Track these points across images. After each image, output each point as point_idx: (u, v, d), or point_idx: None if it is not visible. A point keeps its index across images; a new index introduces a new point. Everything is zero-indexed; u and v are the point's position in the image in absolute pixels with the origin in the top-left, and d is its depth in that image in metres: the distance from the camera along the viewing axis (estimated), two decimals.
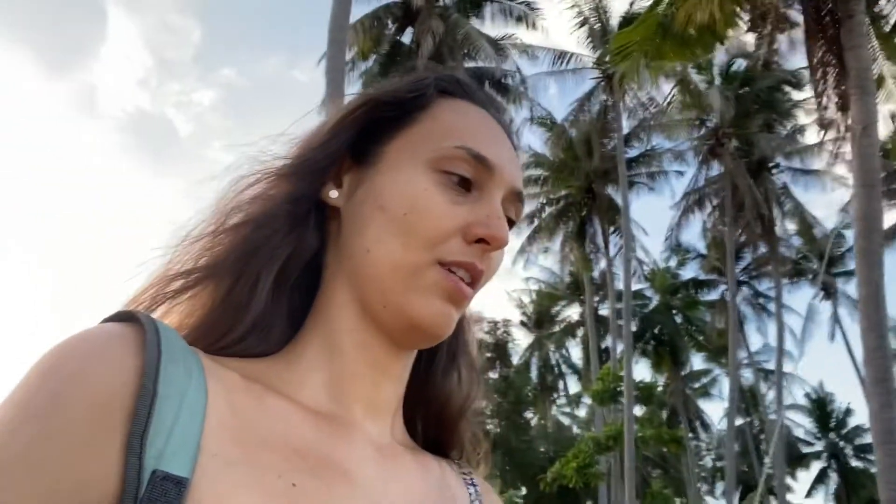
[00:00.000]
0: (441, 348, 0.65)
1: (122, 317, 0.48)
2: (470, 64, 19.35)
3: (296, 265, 0.56)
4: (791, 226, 23.93)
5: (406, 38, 18.16)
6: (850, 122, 6.72)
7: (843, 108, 6.98)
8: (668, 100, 15.45)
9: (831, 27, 6.99)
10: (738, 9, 7.66)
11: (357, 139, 0.59)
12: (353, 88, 18.29)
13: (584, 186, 21.98)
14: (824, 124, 7.63)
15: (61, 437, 0.40)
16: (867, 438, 32.73)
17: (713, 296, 27.92)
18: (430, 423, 0.64)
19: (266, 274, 0.54)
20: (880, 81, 8.42)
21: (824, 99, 7.11)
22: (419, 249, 0.53)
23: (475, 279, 0.55)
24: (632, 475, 16.40)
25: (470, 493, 0.62)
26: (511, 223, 0.59)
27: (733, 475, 18.69)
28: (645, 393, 18.87)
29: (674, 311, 28.59)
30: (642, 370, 28.45)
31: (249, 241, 0.54)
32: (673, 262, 28.26)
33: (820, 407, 35.77)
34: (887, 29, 8.21)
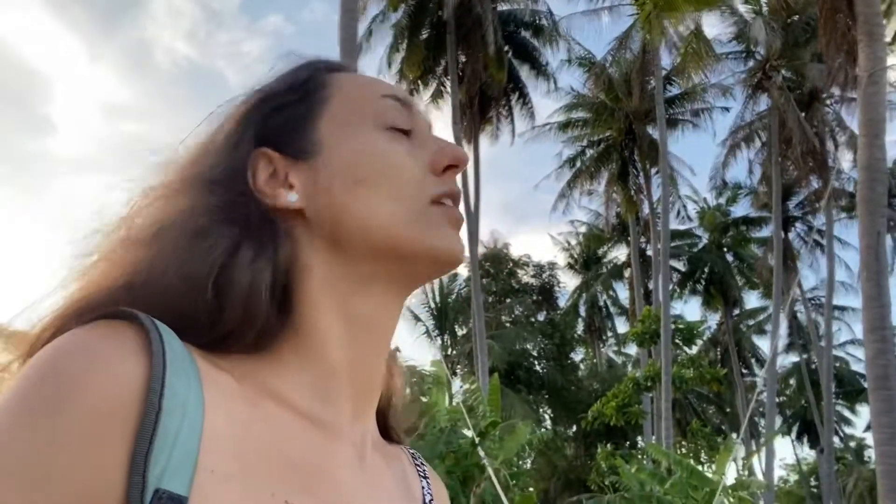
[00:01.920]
0: None
1: (123, 315, 0.44)
2: (503, 7, 19.06)
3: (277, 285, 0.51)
4: (848, 157, 22.92)
5: None
6: (857, 69, 6.59)
7: (849, 53, 6.83)
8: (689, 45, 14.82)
9: None
10: None
11: (270, 136, 0.56)
12: (384, 41, 18.35)
13: (625, 128, 21.60)
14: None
15: (62, 448, 0.38)
16: None
17: (765, 233, 27.21)
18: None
19: (259, 313, 0.49)
20: None
21: (831, 46, 6.95)
22: (411, 197, 0.55)
23: (456, 201, 0.58)
24: (669, 413, 16.75)
25: (423, 486, 0.64)
26: None
27: (773, 409, 18.78)
28: (686, 333, 18.97)
29: (724, 250, 28.15)
30: (693, 309, 28.34)
31: (215, 272, 0.48)
32: (723, 200, 27.62)
33: None
34: None
